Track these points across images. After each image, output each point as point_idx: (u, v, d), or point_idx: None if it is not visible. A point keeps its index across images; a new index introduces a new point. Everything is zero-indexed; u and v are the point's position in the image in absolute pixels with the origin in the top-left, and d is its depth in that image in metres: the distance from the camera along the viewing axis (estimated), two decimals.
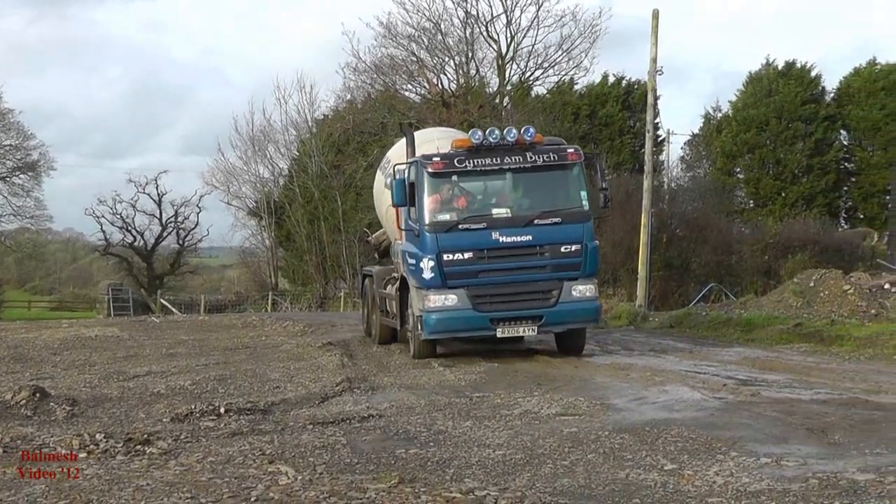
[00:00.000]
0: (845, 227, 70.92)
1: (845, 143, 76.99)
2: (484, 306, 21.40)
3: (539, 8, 58.05)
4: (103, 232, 74.70)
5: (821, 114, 72.77)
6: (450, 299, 21.19)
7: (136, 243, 74.15)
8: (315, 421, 14.06)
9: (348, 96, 65.40)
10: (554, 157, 21.93)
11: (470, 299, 21.24)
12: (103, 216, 75.34)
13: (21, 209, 79.55)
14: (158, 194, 73.31)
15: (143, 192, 73.13)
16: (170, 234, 75.41)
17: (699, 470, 10.92)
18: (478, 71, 61.78)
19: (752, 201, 72.97)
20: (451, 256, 21.28)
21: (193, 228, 75.99)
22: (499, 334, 21.54)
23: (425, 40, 60.38)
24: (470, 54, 59.28)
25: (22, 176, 79.11)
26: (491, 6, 60.27)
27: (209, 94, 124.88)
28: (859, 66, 75.43)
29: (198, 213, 74.76)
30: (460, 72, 60.78)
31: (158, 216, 74.19)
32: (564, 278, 21.65)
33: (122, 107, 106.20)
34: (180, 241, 76.29)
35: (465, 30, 59.91)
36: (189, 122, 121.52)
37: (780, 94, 71.13)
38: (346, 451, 12.11)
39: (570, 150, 22.19)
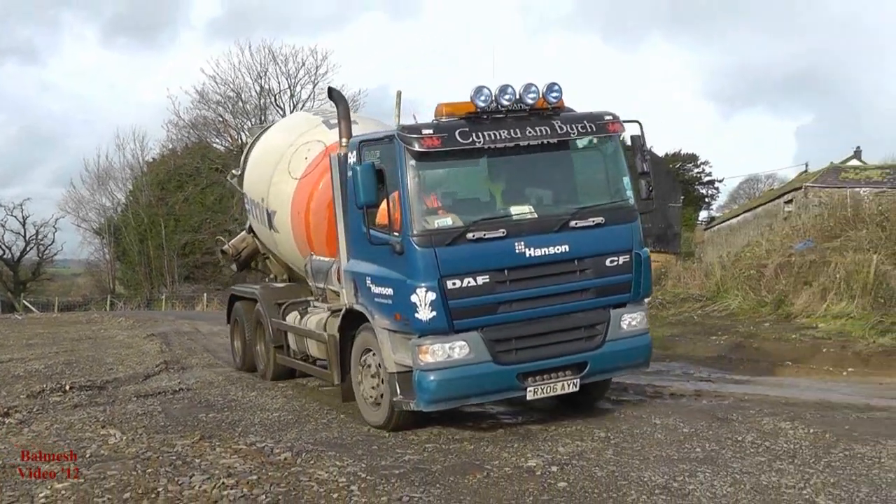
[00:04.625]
0: None
1: None
2: (508, 355, 10.34)
3: (315, 86, 58.53)
4: None
5: None
6: (458, 349, 10.16)
7: (4, 255, 71.49)
8: (139, 394, 14.01)
9: (171, 146, 65.64)
10: (591, 128, 10.84)
11: (488, 346, 10.22)
12: None
13: None
14: (23, 216, 71.18)
15: (11, 215, 70.75)
16: (32, 248, 73.11)
17: None
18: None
19: None
20: (457, 283, 10.11)
21: (51, 244, 73.79)
22: (529, 396, 10.48)
23: (230, 105, 62.94)
24: (263, 118, 60.11)
25: None
26: (279, 83, 61.92)
27: (75, 140, 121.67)
28: None
29: (54, 232, 72.76)
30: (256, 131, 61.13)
31: (23, 234, 71.87)
32: (611, 304, 10.87)
33: (4, 147, 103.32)
34: (40, 255, 73.95)
35: (259, 100, 61.86)
36: (57, 161, 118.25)
37: None
38: (161, 416, 12.18)
39: (609, 118, 10.94)
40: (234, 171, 17.00)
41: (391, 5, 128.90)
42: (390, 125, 12.50)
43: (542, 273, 10.25)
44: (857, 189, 24.56)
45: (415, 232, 9.94)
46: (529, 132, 10.36)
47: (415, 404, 10.06)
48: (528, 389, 10.19)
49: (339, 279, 11.85)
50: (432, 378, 9.90)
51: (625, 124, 11.00)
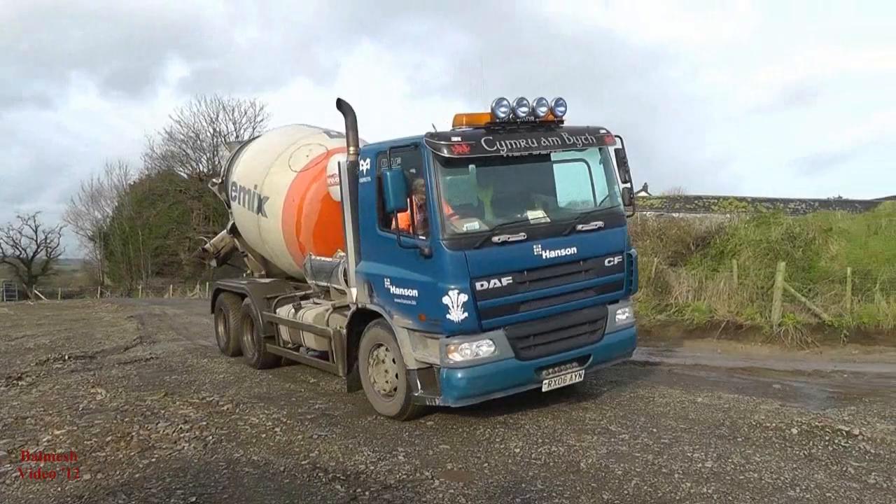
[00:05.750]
0: None
1: None
2: (528, 351, 8.62)
3: (254, 129, 57.97)
4: (1, 248, 68.77)
5: None
6: (485, 347, 8.35)
7: (20, 255, 68.72)
8: (120, 362, 13.57)
9: (146, 172, 64.80)
10: (591, 140, 9.18)
11: (511, 344, 8.47)
12: (1, 238, 69.38)
13: None
14: (35, 225, 68.31)
15: (27, 224, 68.00)
16: (41, 250, 70.16)
17: None
18: (219, 162, 60.79)
19: None
20: (485, 284, 8.27)
21: (56, 247, 70.99)
22: (545, 387, 8.71)
23: (190, 143, 61.46)
24: (215, 152, 59.00)
25: None
26: (227, 127, 60.91)
27: (76, 168, 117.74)
28: None
29: (58, 238, 69.98)
30: (210, 162, 60.66)
31: (35, 239, 69.07)
32: (608, 301, 9.26)
33: (23, 172, 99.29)
34: (48, 255, 71.03)
35: (212, 139, 59.98)
36: (62, 183, 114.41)
37: None
38: (136, 378, 11.84)
39: (604, 132, 9.35)
40: (213, 181, 15.08)
41: (316, 73, 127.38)
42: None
43: (555, 273, 8.54)
44: (644, 212, 25.14)
45: (445, 236, 7.94)
46: (543, 142, 8.61)
47: (441, 400, 8.14)
48: (544, 382, 8.49)
49: (345, 278, 9.71)
50: (461, 375, 8.03)
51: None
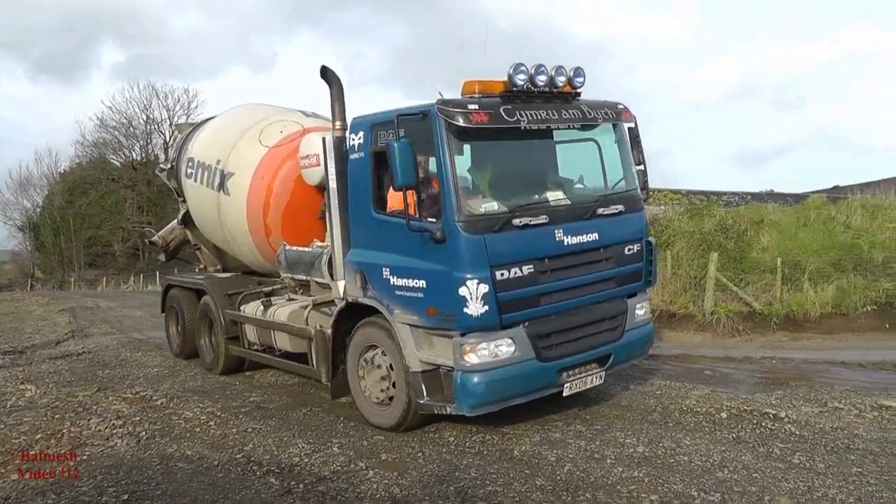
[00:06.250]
0: None
1: None
2: (549, 351, 7.42)
3: (188, 118, 56.91)
4: None
5: None
6: (504, 347, 7.10)
7: None
8: (51, 357, 13.34)
9: (78, 160, 63.68)
10: (611, 115, 8.09)
11: (532, 342, 7.26)
12: None
13: None
14: None
15: None
16: None
17: None
18: (153, 150, 60.54)
19: None
20: (505, 273, 7.00)
21: None
22: (566, 392, 7.60)
23: (123, 130, 60.46)
24: (149, 140, 57.94)
25: None
26: (161, 114, 60.39)
27: (6, 154, 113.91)
28: None
29: None
30: (143, 150, 59.53)
31: None
32: (627, 294, 8.22)
33: None
34: None
35: (146, 127, 59.01)
36: None
37: None
38: (68, 373, 11.63)
39: (622, 107, 8.23)
40: (161, 166, 13.41)
41: (253, 62, 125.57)
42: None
43: (577, 262, 7.49)
44: None
45: (462, 217, 6.82)
46: (564, 114, 7.52)
47: (454, 408, 7.08)
48: (565, 385, 7.48)
49: (329, 270, 8.64)
50: (478, 380, 6.92)
51: None
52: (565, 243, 7.34)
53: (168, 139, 60.06)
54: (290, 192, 9.66)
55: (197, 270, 13.13)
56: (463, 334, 6.95)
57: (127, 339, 15.48)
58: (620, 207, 7.90)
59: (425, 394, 7.32)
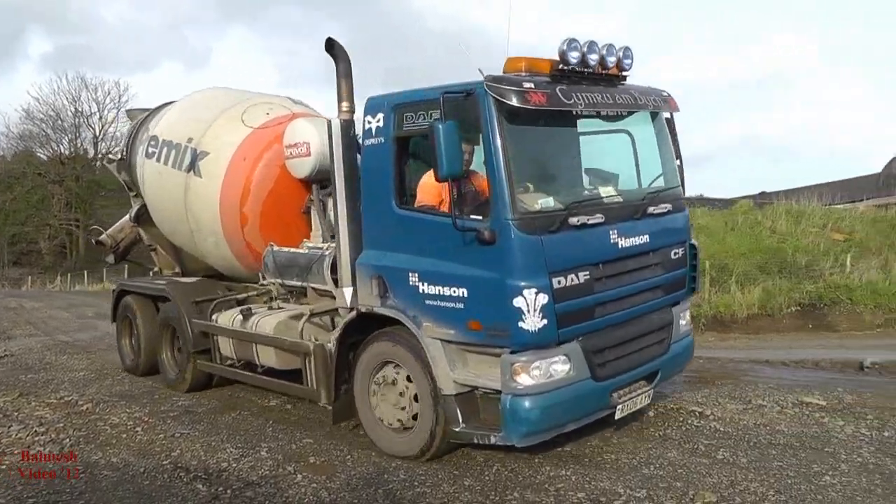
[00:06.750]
0: None
1: None
2: (603, 369, 6.42)
3: (118, 111, 55.91)
4: None
5: None
6: (559, 365, 6.07)
7: None
8: None
9: (1, 153, 61.88)
10: (659, 102, 7.12)
11: (587, 359, 6.25)
12: None
13: None
14: None
15: None
16: None
17: None
18: (82, 144, 59.55)
19: None
20: (562, 281, 5.96)
21: None
22: (618, 414, 6.71)
23: (50, 122, 59.67)
24: (77, 134, 56.77)
25: None
26: (90, 107, 59.24)
27: None
28: None
29: None
30: (72, 144, 58.34)
31: None
32: (672, 303, 7.35)
33: None
34: None
35: (74, 119, 57.79)
36: None
37: None
38: None
39: (667, 94, 7.23)
40: (110, 156, 11.96)
41: (188, 57, 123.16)
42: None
43: (630, 267, 6.66)
44: None
45: (516, 215, 5.84)
46: (618, 99, 6.62)
47: (501, 438, 6.15)
48: (618, 407, 6.64)
49: (332, 275, 7.69)
50: (530, 405, 5.96)
51: None
52: (619, 246, 6.52)
53: (98, 133, 58.85)
54: (275, 178, 8.64)
55: (151, 274, 11.89)
56: (513, 352, 6.00)
57: (52, 341, 15.09)
58: (668, 206, 7.11)
59: (461, 420, 6.40)
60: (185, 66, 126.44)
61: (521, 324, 5.81)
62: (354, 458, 7.11)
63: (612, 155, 7.37)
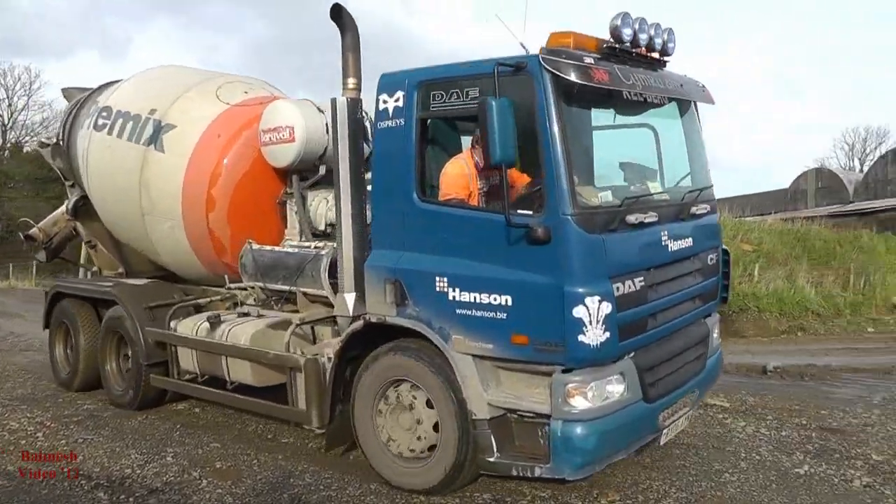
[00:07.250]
0: None
1: None
2: (654, 388, 5.57)
3: (29, 98, 54.23)
4: None
5: None
6: (614, 385, 5.23)
7: None
8: None
9: None
10: (697, 92, 6.38)
11: (640, 378, 5.42)
12: None
13: None
14: None
15: None
16: None
17: None
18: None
19: None
20: (621, 287, 5.11)
21: None
22: (663, 439, 5.95)
23: None
24: None
25: None
26: None
27: None
28: None
29: None
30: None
31: None
32: (706, 313, 6.60)
33: None
34: None
35: None
36: None
37: None
38: None
39: (703, 86, 6.45)
40: (43, 141, 10.61)
41: (105, 46, 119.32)
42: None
43: (675, 274, 5.94)
44: None
45: (576, 210, 5.04)
46: (668, 83, 5.97)
47: (549, 470, 5.29)
48: (664, 431, 5.92)
49: (330, 278, 6.85)
50: (586, 432, 5.16)
51: None
52: (670, 249, 5.83)
53: (7, 122, 56.82)
54: (252, 160, 7.76)
55: (89, 275, 10.59)
56: (565, 370, 5.22)
57: None
58: (707, 207, 6.43)
59: (495, 449, 5.54)
60: (102, 56, 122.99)
61: (581, 337, 5.02)
62: (261, 462, 7.06)
63: (640, 149, 6.61)
